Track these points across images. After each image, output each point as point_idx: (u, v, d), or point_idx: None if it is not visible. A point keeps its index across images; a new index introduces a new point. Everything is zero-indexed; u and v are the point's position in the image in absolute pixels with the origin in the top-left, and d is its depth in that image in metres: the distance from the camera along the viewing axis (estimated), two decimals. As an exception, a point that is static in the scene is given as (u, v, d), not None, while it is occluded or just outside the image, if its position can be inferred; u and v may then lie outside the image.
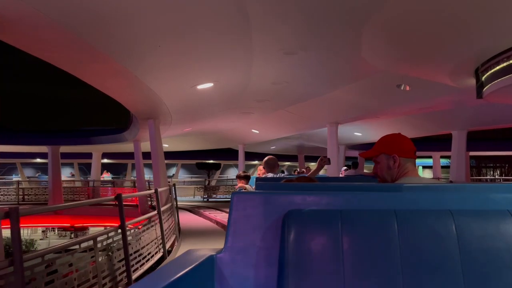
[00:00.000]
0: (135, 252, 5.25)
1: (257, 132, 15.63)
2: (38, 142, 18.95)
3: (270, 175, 4.79)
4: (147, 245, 5.89)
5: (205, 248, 1.43)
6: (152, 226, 6.50)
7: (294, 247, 1.26)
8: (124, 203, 4.54)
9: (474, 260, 1.21)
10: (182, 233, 10.52)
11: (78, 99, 14.24)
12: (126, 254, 4.68)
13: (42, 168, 38.43)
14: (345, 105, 9.63)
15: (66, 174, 38.88)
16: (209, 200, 21.63)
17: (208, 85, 7.28)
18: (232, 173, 33.14)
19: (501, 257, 1.22)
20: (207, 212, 14.65)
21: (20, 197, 19.64)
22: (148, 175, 40.13)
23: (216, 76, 7.03)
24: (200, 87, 7.26)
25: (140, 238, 5.62)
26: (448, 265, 1.21)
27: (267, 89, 8.41)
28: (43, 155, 26.41)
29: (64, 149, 22.15)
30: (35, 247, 18.58)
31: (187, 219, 13.66)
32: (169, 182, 12.13)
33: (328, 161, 4.30)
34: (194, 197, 23.05)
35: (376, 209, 1.31)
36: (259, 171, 5.31)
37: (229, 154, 23.66)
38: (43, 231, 23.19)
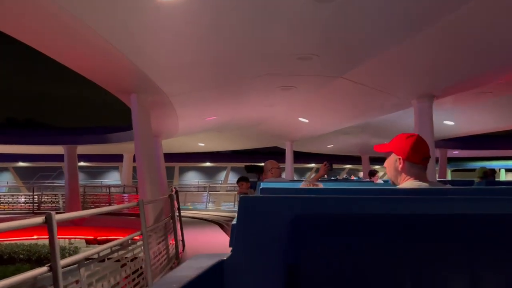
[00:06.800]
0: None
1: (306, 121, 11.61)
2: (52, 142, 16.35)
3: (272, 179, 4.79)
4: None
5: (213, 254, 1.35)
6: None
7: (301, 251, 1.23)
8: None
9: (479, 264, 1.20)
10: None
11: (94, 97, 11.24)
12: None
13: (89, 172, 36.94)
14: (449, 60, 5.35)
15: (113, 178, 37.08)
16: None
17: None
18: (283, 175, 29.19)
19: (506, 261, 1.19)
20: (241, 229, 10.96)
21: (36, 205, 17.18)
22: (197, 179, 37.34)
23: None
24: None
25: None
26: (451, 268, 1.21)
27: (310, 16, 4.43)
28: (85, 158, 24.31)
29: (102, 150, 19.95)
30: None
31: (209, 241, 10.06)
32: (172, 188, 8.65)
33: (330, 167, 4.32)
34: (234, 206, 19.38)
35: (383, 214, 1.30)
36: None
37: (283, 155, 19.73)
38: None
